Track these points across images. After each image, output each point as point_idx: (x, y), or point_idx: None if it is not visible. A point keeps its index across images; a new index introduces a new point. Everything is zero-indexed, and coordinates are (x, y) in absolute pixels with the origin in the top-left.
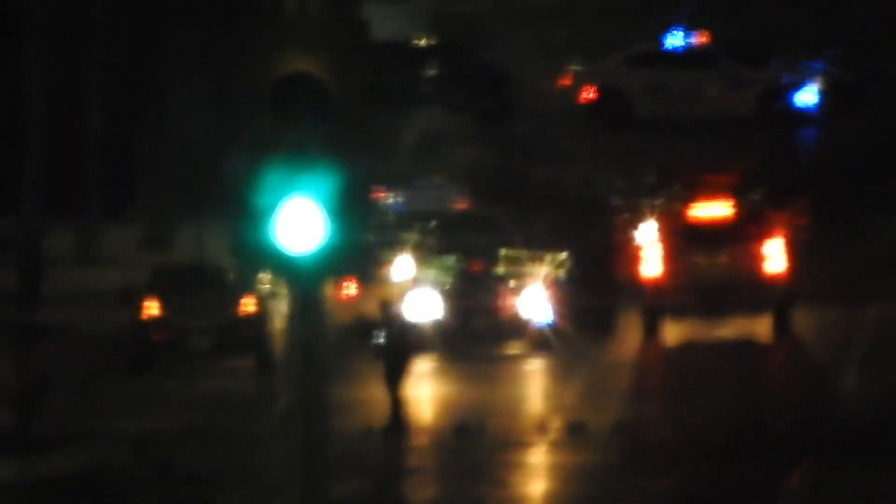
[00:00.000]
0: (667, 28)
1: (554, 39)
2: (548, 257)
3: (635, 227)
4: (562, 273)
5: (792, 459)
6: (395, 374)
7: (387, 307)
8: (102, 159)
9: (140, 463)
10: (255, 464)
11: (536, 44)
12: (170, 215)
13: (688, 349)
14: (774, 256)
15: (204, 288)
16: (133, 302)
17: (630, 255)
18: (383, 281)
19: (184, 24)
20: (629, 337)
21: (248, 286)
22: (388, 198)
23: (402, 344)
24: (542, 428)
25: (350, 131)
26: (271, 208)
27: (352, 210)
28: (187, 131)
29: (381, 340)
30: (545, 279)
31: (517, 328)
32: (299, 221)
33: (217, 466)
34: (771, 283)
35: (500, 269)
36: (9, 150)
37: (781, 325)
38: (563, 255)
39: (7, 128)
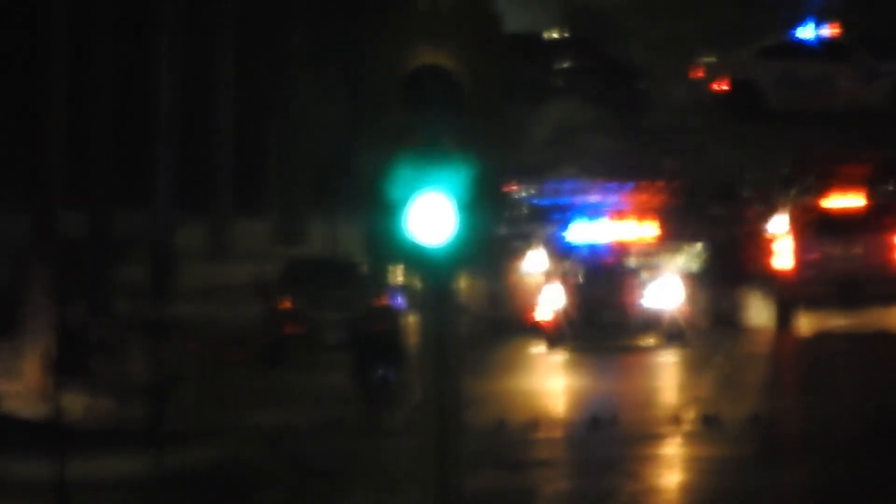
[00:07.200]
0: (799, 19)
1: (684, 32)
2: (681, 249)
3: (768, 219)
4: (695, 265)
5: None
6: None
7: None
8: (233, 154)
9: (270, 456)
10: (386, 458)
11: (667, 36)
12: (301, 209)
13: (821, 340)
14: None
15: (337, 282)
16: (267, 295)
17: (763, 246)
18: (516, 273)
19: (314, 16)
20: (762, 329)
21: (381, 280)
22: (520, 190)
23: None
24: (675, 420)
25: (482, 124)
26: (404, 202)
27: (484, 203)
28: (317, 124)
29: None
30: (678, 271)
31: (650, 320)
32: (432, 214)
33: (348, 460)
34: None
35: (633, 261)
36: (142, 144)
37: None
38: (697, 247)
39: (140, 122)
